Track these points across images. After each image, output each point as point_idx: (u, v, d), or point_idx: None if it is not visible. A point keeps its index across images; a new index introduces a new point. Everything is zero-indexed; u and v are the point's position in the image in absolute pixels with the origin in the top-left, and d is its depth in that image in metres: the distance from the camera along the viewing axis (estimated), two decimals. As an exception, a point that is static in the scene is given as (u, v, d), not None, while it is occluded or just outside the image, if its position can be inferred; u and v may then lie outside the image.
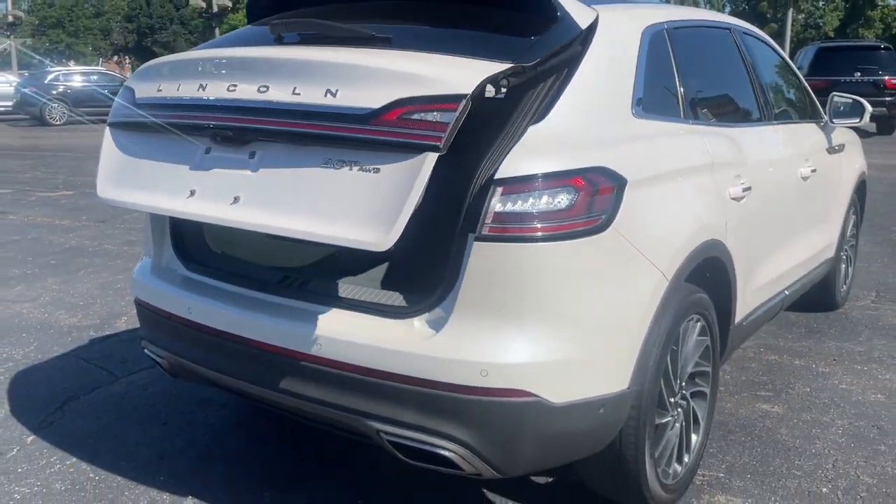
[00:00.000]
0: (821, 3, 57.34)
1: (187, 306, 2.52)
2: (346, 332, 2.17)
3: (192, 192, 2.25)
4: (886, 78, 15.90)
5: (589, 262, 2.12)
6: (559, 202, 2.07)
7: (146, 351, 2.81)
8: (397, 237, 1.92)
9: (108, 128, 2.58)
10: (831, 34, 55.10)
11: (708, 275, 2.78)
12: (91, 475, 2.89)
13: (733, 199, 2.85)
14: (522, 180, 2.05)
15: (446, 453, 2.09)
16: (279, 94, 2.14)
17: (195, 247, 2.73)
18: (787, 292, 3.73)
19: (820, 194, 4.08)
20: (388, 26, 2.40)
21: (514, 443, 2.10)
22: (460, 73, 2.00)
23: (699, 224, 2.55)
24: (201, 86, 2.31)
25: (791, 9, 24.53)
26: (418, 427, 2.09)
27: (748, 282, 3.12)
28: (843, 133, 4.68)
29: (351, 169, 2.02)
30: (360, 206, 1.99)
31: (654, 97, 2.62)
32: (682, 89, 2.81)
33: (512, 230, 2.03)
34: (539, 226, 2.05)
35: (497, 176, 2.04)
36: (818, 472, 2.95)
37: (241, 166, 2.20)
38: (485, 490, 2.78)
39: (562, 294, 2.09)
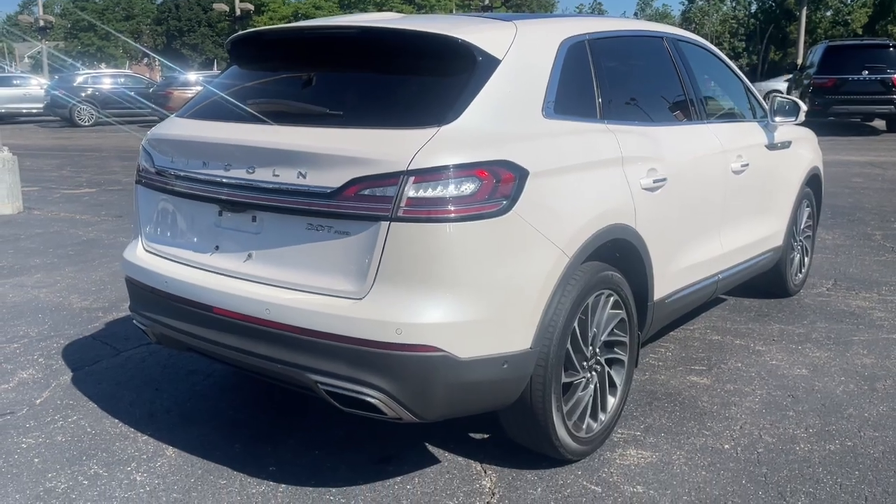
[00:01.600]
0: (848, 0, 56.86)
1: (164, 280, 2.96)
2: (289, 300, 2.60)
3: (217, 248, 2.90)
4: (894, 76, 16.01)
5: (491, 241, 2.52)
6: (464, 189, 2.47)
7: (134, 322, 3.27)
8: (370, 287, 2.47)
9: (137, 185, 3.25)
10: (859, 31, 54.57)
11: (618, 255, 3.16)
12: (88, 429, 3.35)
13: (645, 189, 3.22)
14: (433, 171, 2.45)
15: (371, 400, 2.50)
16: (263, 175, 2.69)
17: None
18: (720, 276, 4.08)
19: (757, 187, 4.42)
20: (341, 100, 2.86)
21: (426, 391, 2.51)
22: (400, 150, 2.47)
23: (603, 210, 2.93)
24: (204, 163, 2.89)
25: (805, 7, 24.53)
26: (348, 378, 2.51)
27: (668, 264, 3.50)
28: (793, 130, 5.01)
29: (328, 232, 2.56)
30: (338, 264, 2.55)
31: (568, 100, 3.01)
32: (599, 92, 3.19)
33: (423, 213, 2.44)
34: (446, 209, 2.45)
35: (411, 167, 2.45)
36: (725, 433, 3.31)
37: (248, 228, 2.78)
38: (427, 444, 3.19)
39: (467, 267, 2.49)
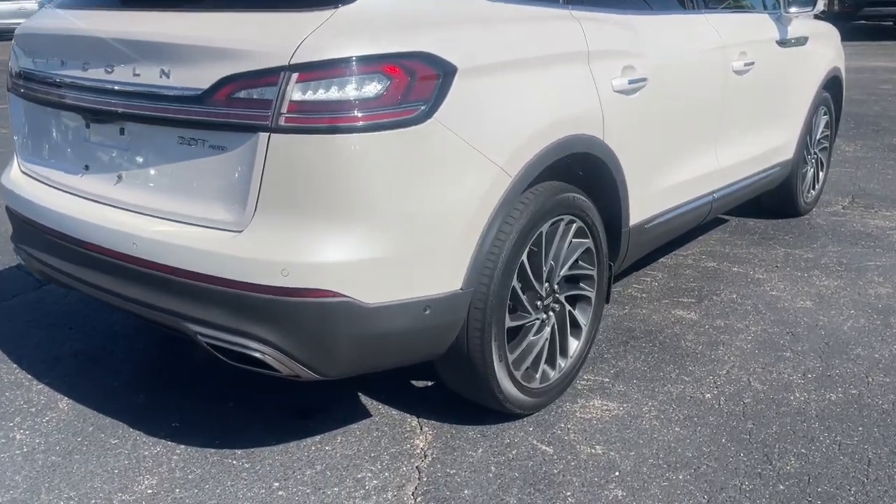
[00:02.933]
0: None
1: (36, 208, 2.48)
2: (158, 233, 2.11)
3: (87, 168, 2.40)
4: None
5: (404, 157, 2.00)
6: (367, 91, 1.94)
7: (17, 255, 2.81)
8: (251, 218, 1.98)
9: (8, 94, 2.72)
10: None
11: (582, 173, 2.63)
12: (-19, 375, 2.94)
13: (618, 91, 2.66)
14: (323, 66, 1.92)
15: (258, 355, 2.05)
16: (123, 75, 2.18)
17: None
18: (715, 195, 3.54)
19: (765, 90, 3.82)
20: None
21: (326, 344, 2.04)
22: (280, 39, 1.93)
23: (560, 118, 2.38)
24: (62, 61, 2.37)
25: None
26: (229, 329, 2.04)
27: (648, 182, 2.96)
28: (810, 25, 4.35)
29: (202, 147, 2.05)
30: (215, 188, 2.05)
31: (518, -23, 2.42)
32: (563, -32, 2.59)
33: (311, 121, 1.92)
34: (342, 117, 1.92)
35: (294, 61, 1.91)
36: (708, 379, 2.84)
37: (116, 143, 2.28)
38: (359, 395, 2.76)
39: (372, 190, 1.98)
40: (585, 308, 2.77)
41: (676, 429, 2.53)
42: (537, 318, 2.53)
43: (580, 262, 2.70)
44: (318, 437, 2.51)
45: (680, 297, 3.57)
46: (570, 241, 2.61)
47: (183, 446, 2.48)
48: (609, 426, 2.55)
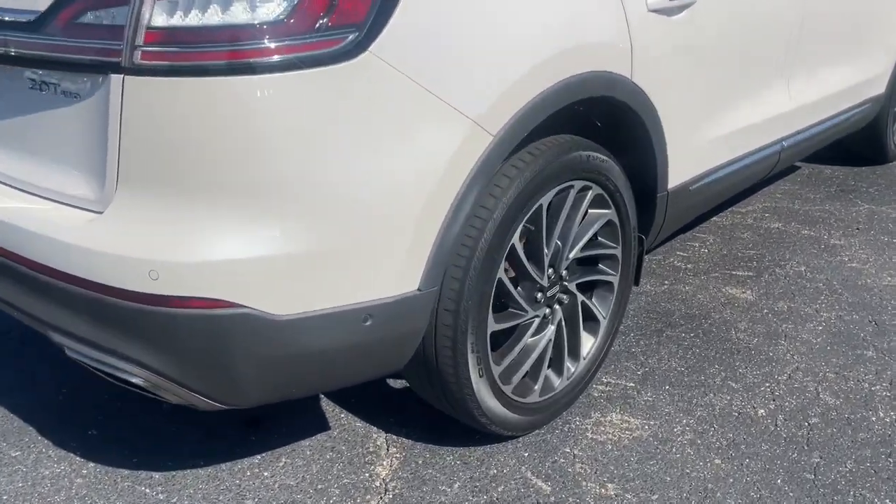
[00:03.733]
0: None
1: None
2: (6, 211, 1.57)
3: None
4: None
5: (324, 109, 1.40)
6: (264, 11, 1.33)
7: None
8: (113, 194, 1.42)
9: None
10: None
11: (601, 124, 1.99)
12: None
13: (655, 10, 1.98)
14: (200, -22, 1.31)
15: (135, 380, 1.52)
16: None
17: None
18: (785, 143, 2.83)
19: (852, 10, 3.03)
20: None
21: (221, 369, 1.49)
22: None
23: (565, 48, 1.72)
24: None
25: None
26: (94, 344, 1.51)
27: (695, 132, 2.29)
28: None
29: (54, 95, 1.49)
30: (73, 149, 1.50)
31: None
32: None
33: (180, 57, 1.32)
34: (228, 50, 1.32)
35: (155, -29, 1.31)
36: (763, 387, 2.22)
37: None
38: (320, 400, 2.23)
39: (276, 157, 1.39)
40: (605, 297, 2.16)
41: (717, 461, 1.94)
42: (536, 315, 1.94)
43: (599, 238, 2.08)
44: (258, 458, 2.00)
45: (734, 270, 2.91)
46: (585, 214, 2.00)
47: (92, 465, 2.00)
48: (628, 454, 1.97)
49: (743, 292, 2.74)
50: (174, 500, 1.87)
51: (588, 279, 2.10)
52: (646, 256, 2.84)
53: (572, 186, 1.89)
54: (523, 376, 1.97)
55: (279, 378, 1.55)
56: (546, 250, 1.89)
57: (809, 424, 2.06)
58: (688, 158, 2.29)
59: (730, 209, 3.44)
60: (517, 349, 1.92)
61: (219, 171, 1.38)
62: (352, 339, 1.55)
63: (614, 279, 2.15)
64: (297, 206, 1.42)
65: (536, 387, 1.99)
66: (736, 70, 2.41)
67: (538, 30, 1.66)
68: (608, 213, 2.04)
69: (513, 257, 1.81)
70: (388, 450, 2.02)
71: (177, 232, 1.39)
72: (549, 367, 2.04)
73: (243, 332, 1.44)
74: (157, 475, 1.95)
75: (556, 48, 1.70)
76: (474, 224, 1.67)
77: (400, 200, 1.51)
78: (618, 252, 2.12)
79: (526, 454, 1.98)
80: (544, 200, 1.82)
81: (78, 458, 2.02)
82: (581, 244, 2.00)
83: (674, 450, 1.98)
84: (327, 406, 2.19)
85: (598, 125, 2.02)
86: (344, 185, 1.44)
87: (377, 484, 1.90)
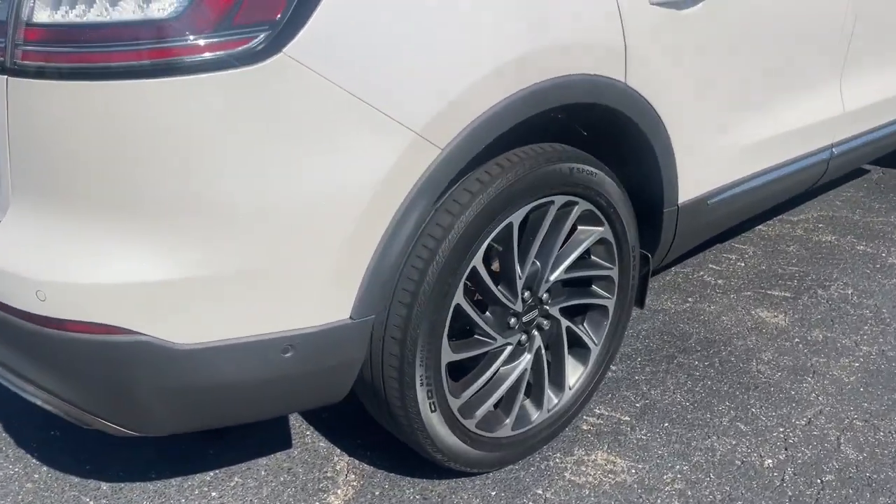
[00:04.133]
0: None
1: None
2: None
3: None
4: None
5: (231, 114, 1.23)
6: (160, 8, 1.17)
7: None
8: (8, 203, 1.30)
9: None
10: None
11: (589, 134, 1.77)
12: None
13: (659, 4, 1.72)
14: (89, -32, 1.17)
15: (39, 402, 1.41)
16: None
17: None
18: (835, 150, 2.52)
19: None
20: None
21: (124, 397, 1.37)
22: None
23: (533, 49, 1.50)
24: None
25: None
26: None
27: (713, 140, 2.03)
28: None
29: None
30: None
31: None
32: None
33: (66, 58, 1.18)
34: (120, 51, 1.18)
35: (39, -40, 1.17)
36: (776, 432, 1.97)
37: None
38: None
39: (177, 170, 1.24)
40: (599, 322, 1.94)
41: (706, 519, 1.71)
42: (508, 343, 1.75)
43: (591, 258, 1.86)
44: (210, 475, 1.89)
45: (770, 289, 2.63)
46: (574, 231, 1.78)
47: (45, 469, 1.93)
48: (606, 503, 1.76)
49: (775, 316, 2.46)
50: (109, 519, 1.78)
51: (577, 302, 1.89)
52: (672, 268, 2.59)
53: (552, 202, 1.68)
54: (494, 407, 1.79)
55: (191, 409, 1.42)
56: (519, 272, 1.69)
57: (822, 482, 1.80)
58: (704, 170, 2.03)
59: (778, 217, 3.13)
60: (482, 380, 1.73)
61: (110, 184, 1.24)
62: (271, 372, 1.40)
63: (609, 303, 1.93)
64: (200, 224, 1.27)
65: (508, 420, 1.81)
66: (769, 71, 2.12)
67: (492, 32, 1.44)
68: (600, 230, 1.82)
69: (475, 280, 1.62)
70: (346, 476, 1.87)
71: (67, 250, 1.27)
72: (526, 397, 1.85)
73: (142, 361, 1.31)
74: (105, 486, 1.87)
75: (518, 52, 1.47)
76: (427, 244, 1.49)
77: (323, 219, 1.34)
78: (613, 273, 1.90)
79: (493, 493, 1.80)
80: (515, 218, 1.62)
81: (33, 461, 1.95)
82: (565, 265, 1.79)
83: (658, 501, 1.76)
84: (295, 420, 2.06)
85: (583, 134, 1.79)
86: (255, 202, 1.28)
87: (324, 517, 1.76)
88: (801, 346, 2.31)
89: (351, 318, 1.43)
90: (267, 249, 1.31)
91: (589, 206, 1.76)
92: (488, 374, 1.74)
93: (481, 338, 1.70)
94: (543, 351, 1.84)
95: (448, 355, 1.62)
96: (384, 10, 1.31)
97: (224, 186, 1.26)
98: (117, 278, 1.26)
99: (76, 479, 1.88)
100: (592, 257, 1.88)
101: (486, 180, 1.54)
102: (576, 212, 1.75)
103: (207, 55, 1.19)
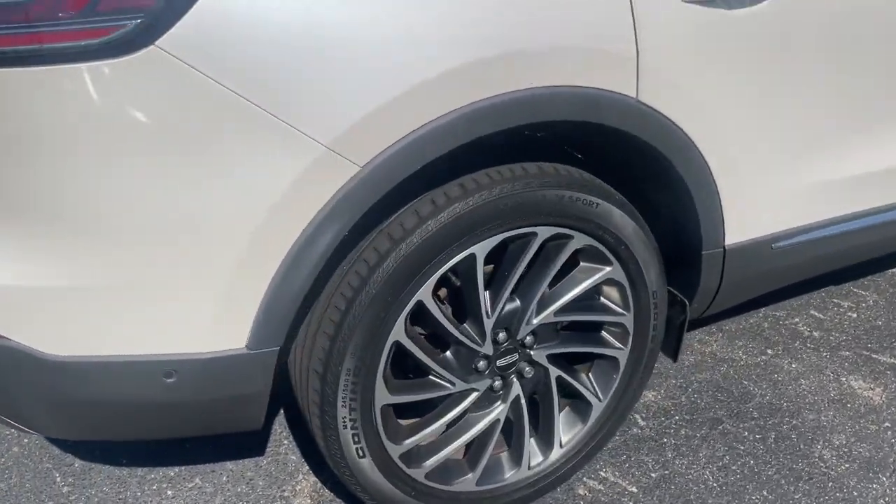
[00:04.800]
0: None
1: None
2: None
3: None
4: None
5: (96, 111, 1.09)
6: (12, -10, 1.05)
7: None
8: None
9: None
10: None
11: (581, 157, 1.47)
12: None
13: (696, 1, 1.37)
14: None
15: None
16: None
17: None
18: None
19: None
20: None
21: (16, 401, 1.30)
22: None
23: (496, 54, 1.22)
24: None
25: None
26: None
27: (780, 174, 1.63)
28: None
29: None
30: None
31: None
32: None
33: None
34: (-20, 36, 1.07)
35: None
36: (814, 543, 1.58)
37: None
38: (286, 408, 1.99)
39: (52, 168, 1.13)
40: (607, 374, 1.65)
41: None
42: (472, 389, 1.51)
43: (602, 299, 1.57)
44: (175, 471, 1.82)
45: (876, 352, 2.15)
46: (571, 268, 1.51)
47: (35, 438, 1.96)
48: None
49: (870, 388, 2.01)
50: (74, 496, 1.76)
51: (572, 350, 1.60)
52: (762, 309, 2.20)
53: (534, 234, 1.41)
54: (461, 460, 1.57)
55: (78, 420, 1.33)
56: (488, 310, 1.44)
57: None
58: (767, 207, 1.64)
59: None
60: (434, 427, 1.51)
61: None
62: (153, 395, 1.27)
63: (621, 354, 1.63)
64: (68, 231, 1.16)
65: (471, 474, 1.58)
66: (865, 91, 1.66)
67: (423, 36, 1.18)
68: (606, 270, 1.52)
69: (427, 317, 1.40)
70: (302, 500, 1.73)
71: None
72: (507, 457, 1.61)
73: (10, 367, 1.22)
74: (77, 465, 1.86)
75: (461, 60, 1.20)
76: (359, 270, 1.30)
77: (209, 237, 1.18)
78: (626, 321, 1.59)
79: (445, 552, 1.59)
80: (479, 249, 1.37)
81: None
82: (556, 307, 1.51)
83: None
84: (278, 426, 1.95)
85: (578, 158, 1.49)
86: (124, 212, 1.14)
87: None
88: (889, 433, 1.86)
89: (247, 347, 1.26)
90: (142, 265, 1.18)
91: (590, 240, 1.47)
92: (444, 420, 1.52)
93: (436, 380, 1.47)
94: (523, 401, 1.58)
95: (384, 397, 1.42)
96: (285, 12, 1.11)
97: (89, 192, 1.13)
98: (-13, 279, 1.18)
99: (56, 452, 1.89)
100: (602, 300, 1.59)
101: (441, 203, 1.31)
102: (570, 247, 1.46)
103: (69, 43, 1.06)
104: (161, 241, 1.17)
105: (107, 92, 1.08)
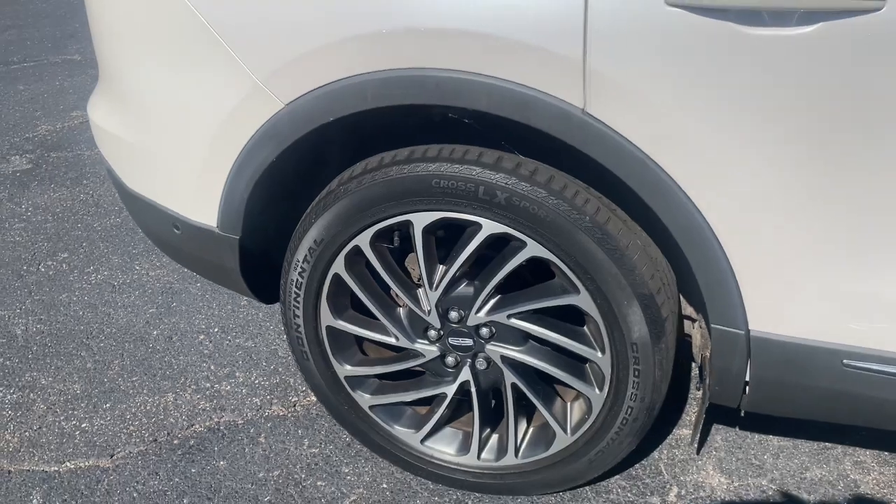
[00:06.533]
0: None
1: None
2: None
3: None
4: None
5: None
6: None
7: None
8: None
9: None
10: None
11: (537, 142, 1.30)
12: None
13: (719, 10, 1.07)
14: None
15: None
16: None
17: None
18: None
19: None
20: None
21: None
22: None
23: (399, 25, 1.17)
24: None
25: None
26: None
27: (838, 266, 1.18)
28: None
29: None
30: None
31: None
32: None
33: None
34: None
35: None
36: None
37: None
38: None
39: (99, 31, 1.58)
40: (582, 412, 1.51)
41: None
42: (418, 353, 1.55)
43: (586, 327, 1.42)
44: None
45: None
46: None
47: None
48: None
49: None
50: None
51: (537, 366, 1.48)
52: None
53: (479, 225, 1.35)
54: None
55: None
56: (425, 279, 1.45)
57: None
58: (827, 307, 1.21)
59: None
60: (377, 369, 1.61)
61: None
62: (169, 238, 1.65)
63: (594, 396, 1.45)
64: (124, 100, 1.58)
65: (415, 431, 1.63)
66: None
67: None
68: (574, 297, 1.36)
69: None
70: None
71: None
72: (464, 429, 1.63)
73: None
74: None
75: (379, 26, 1.20)
76: (314, 208, 1.46)
77: (191, 123, 1.48)
78: (600, 363, 1.41)
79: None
80: (416, 219, 1.39)
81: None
82: (512, 311, 1.43)
83: None
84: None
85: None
86: (141, 86, 1.52)
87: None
88: None
89: (218, 228, 1.54)
90: (158, 133, 1.54)
91: (548, 255, 1.33)
92: (389, 367, 1.60)
93: (381, 324, 1.55)
94: (473, 389, 1.55)
95: (329, 319, 1.56)
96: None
97: (132, 78, 1.53)
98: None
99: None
100: (586, 328, 1.42)
101: (374, 164, 1.38)
102: (524, 254, 1.36)
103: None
104: (167, 121, 1.51)
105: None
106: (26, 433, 1.93)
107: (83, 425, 1.95)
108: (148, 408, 1.99)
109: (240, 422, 1.93)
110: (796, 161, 1.14)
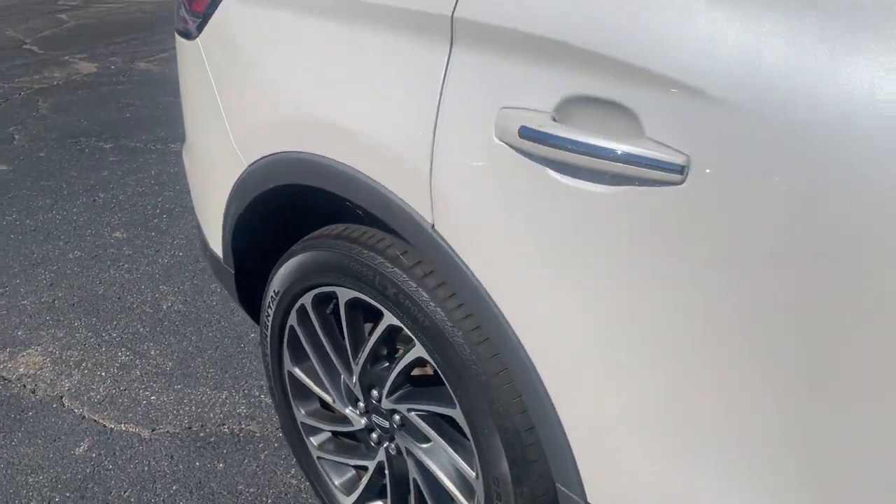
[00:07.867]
0: None
1: None
2: None
3: None
4: None
5: (187, 58, 1.71)
6: (184, -11, 1.71)
7: None
8: None
9: None
10: None
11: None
12: None
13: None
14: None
15: None
16: None
17: None
18: None
19: None
20: None
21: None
22: None
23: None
24: None
25: None
26: None
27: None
28: None
29: None
30: None
31: None
32: None
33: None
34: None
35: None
36: None
37: None
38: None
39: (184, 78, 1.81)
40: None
41: None
42: (346, 418, 1.59)
43: (463, 447, 1.38)
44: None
45: None
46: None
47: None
48: None
49: None
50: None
51: (430, 468, 1.44)
52: None
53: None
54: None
55: None
56: (349, 348, 1.50)
57: None
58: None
59: None
60: (325, 426, 1.67)
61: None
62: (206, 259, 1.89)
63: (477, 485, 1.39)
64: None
65: (346, 495, 1.68)
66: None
67: (285, 86, 1.30)
68: (452, 411, 1.32)
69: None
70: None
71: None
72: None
73: None
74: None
75: (290, 110, 1.28)
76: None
77: (213, 164, 1.69)
78: (476, 488, 1.34)
79: None
80: (340, 292, 1.45)
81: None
82: (416, 407, 1.42)
83: None
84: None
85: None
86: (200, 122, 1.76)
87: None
88: None
89: (222, 260, 1.74)
90: (200, 175, 1.78)
91: (428, 356, 1.31)
92: (331, 426, 1.66)
93: (321, 380, 1.62)
94: (387, 472, 1.54)
95: (288, 364, 1.67)
96: (247, 28, 1.46)
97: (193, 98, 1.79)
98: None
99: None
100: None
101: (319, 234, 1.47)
102: (413, 353, 1.34)
103: (186, 27, 1.68)
104: (203, 158, 1.75)
105: (187, 56, 1.68)
106: (113, 391, 2.33)
107: (152, 397, 2.30)
108: (203, 398, 2.28)
109: (257, 434, 2.13)
110: (606, 317, 0.99)
